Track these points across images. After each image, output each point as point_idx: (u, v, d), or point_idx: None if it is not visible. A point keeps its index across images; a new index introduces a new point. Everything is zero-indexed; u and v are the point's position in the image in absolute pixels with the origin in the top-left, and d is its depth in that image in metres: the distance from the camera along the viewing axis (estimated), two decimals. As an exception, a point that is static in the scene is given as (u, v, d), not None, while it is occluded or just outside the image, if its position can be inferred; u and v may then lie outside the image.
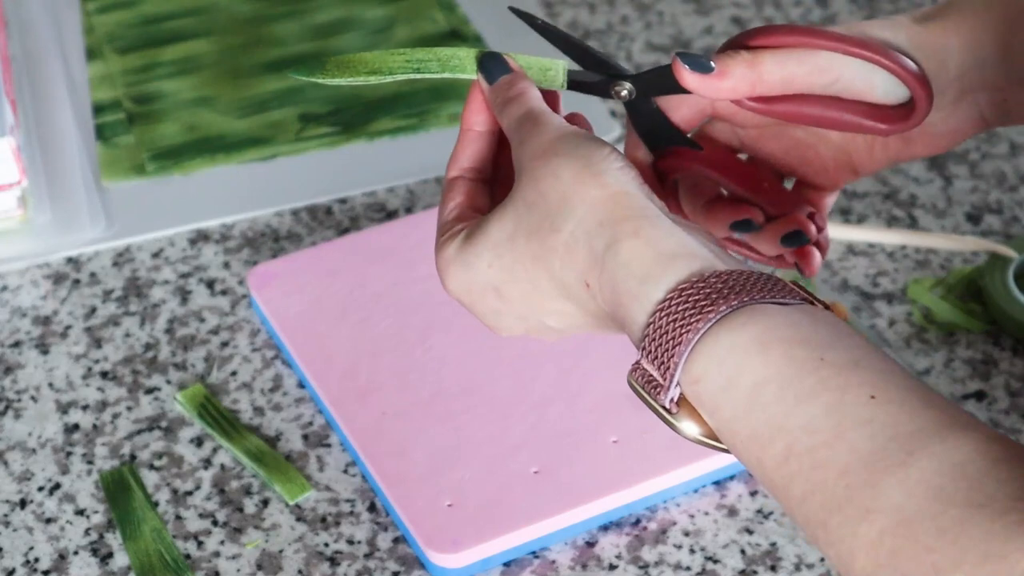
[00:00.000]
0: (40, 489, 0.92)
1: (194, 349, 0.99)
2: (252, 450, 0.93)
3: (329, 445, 0.94)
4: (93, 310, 1.02)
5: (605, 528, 0.89)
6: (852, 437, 0.62)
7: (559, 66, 0.79)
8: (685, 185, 0.83)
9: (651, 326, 0.67)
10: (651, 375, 0.68)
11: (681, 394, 0.67)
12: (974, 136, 0.83)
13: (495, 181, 0.78)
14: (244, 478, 0.92)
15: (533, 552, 0.89)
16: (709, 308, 0.66)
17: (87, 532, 0.90)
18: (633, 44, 1.19)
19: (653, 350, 0.67)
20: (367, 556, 0.88)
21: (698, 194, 0.83)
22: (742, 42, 0.77)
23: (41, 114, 1.13)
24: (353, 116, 1.14)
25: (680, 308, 0.66)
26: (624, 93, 0.79)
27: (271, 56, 1.18)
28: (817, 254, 0.82)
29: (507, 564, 0.88)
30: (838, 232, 1.04)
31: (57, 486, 0.92)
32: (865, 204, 1.06)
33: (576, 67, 0.79)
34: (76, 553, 0.89)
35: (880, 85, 0.77)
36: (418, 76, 0.78)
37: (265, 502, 0.91)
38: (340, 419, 0.93)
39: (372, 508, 0.91)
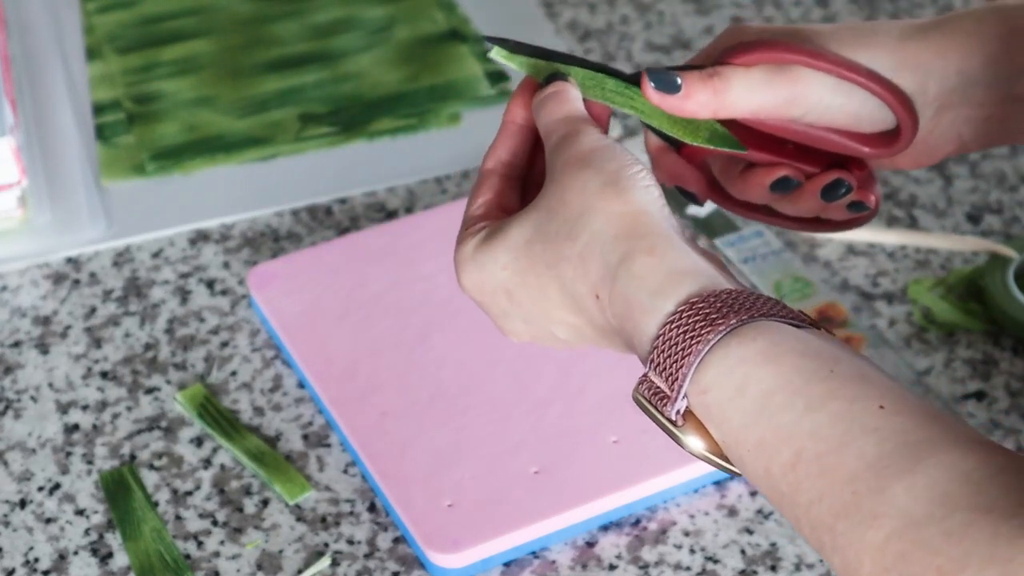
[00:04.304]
0: (40, 489, 0.92)
1: (194, 349, 0.99)
2: (252, 450, 0.93)
3: (329, 445, 0.94)
4: (93, 310, 1.02)
5: (605, 528, 0.89)
6: (860, 444, 0.62)
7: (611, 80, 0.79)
8: (716, 164, 0.83)
9: (660, 338, 0.67)
10: (658, 387, 0.68)
11: (688, 409, 0.67)
12: (955, 156, 0.83)
13: (528, 180, 0.79)
14: (244, 478, 0.92)
15: (533, 552, 0.88)
16: (719, 320, 0.66)
17: (87, 532, 0.90)
18: (633, 44, 1.19)
19: (662, 361, 0.67)
20: (367, 556, 0.88)
21: (730, 167, 0.83)
22: (726, 59, 0.78)
23: (41, 114, 1.13)
24: (353, 116, 1.14)
25: (691, 320, 0.67)
26: None
27: (271, 56, 1.18)
28: (873, 192, 0.81)
29: (507, 564, 0.88)
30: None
31: (57, 486, 0.92)
32: (865, 204, 1.06)
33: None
34: (76, 553, 0.89)
35: (863, 116, 0.78)
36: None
37: (265, 502, 0.91)
38: (340, 419, 0.93)
39: (372, 508, 0.91)
